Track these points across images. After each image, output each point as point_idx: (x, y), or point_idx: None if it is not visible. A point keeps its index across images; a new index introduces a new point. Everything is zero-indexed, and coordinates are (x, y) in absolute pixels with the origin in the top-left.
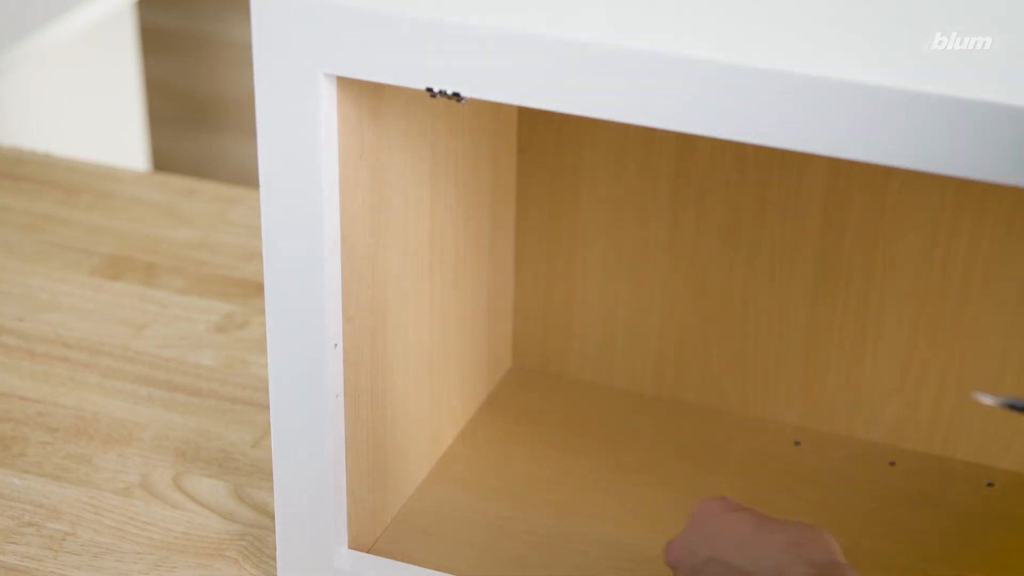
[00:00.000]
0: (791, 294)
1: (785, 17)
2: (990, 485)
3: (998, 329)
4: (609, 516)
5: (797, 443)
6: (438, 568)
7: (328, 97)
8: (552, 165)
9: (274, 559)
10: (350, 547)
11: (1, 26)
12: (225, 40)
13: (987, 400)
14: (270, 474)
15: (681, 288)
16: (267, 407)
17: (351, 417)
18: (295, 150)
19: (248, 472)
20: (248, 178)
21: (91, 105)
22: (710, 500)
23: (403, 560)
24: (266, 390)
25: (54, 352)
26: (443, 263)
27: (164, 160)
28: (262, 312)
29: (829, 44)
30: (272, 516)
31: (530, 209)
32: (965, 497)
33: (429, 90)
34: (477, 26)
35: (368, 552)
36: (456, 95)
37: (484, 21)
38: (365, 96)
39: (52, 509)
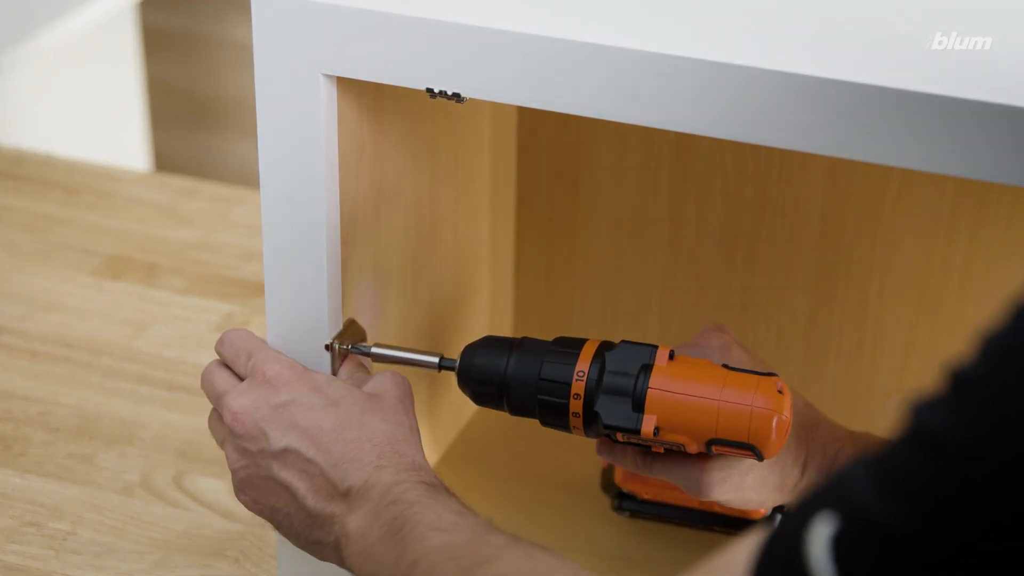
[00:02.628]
0: (791, 294)
1: (785, 17)
2: None
3: None
4: (609, 516)
5: None
6: None
7: (328, 97)
8: (552, 165)
9: (274, 558)
10: None
11: (1, 26)
12: (225, 40)
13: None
14: None
15: (681, 288)
16: None
17: None
18: (295, 150)
19: None
20: (248, 178)
21: (92, 105)
22: (710, 327)
23: None
24: None
25: (55, 352)
26: (443, 263)
27: (165, 160)
28: (262, 312)
29: (829, 44)
30: None
31: (530, 209)
32: None
33: (429, 90)
34: (477, 26)
35: None
36: (456, 95)
37: (484, 21)
38: (365, 96)
39: (53, 509)
